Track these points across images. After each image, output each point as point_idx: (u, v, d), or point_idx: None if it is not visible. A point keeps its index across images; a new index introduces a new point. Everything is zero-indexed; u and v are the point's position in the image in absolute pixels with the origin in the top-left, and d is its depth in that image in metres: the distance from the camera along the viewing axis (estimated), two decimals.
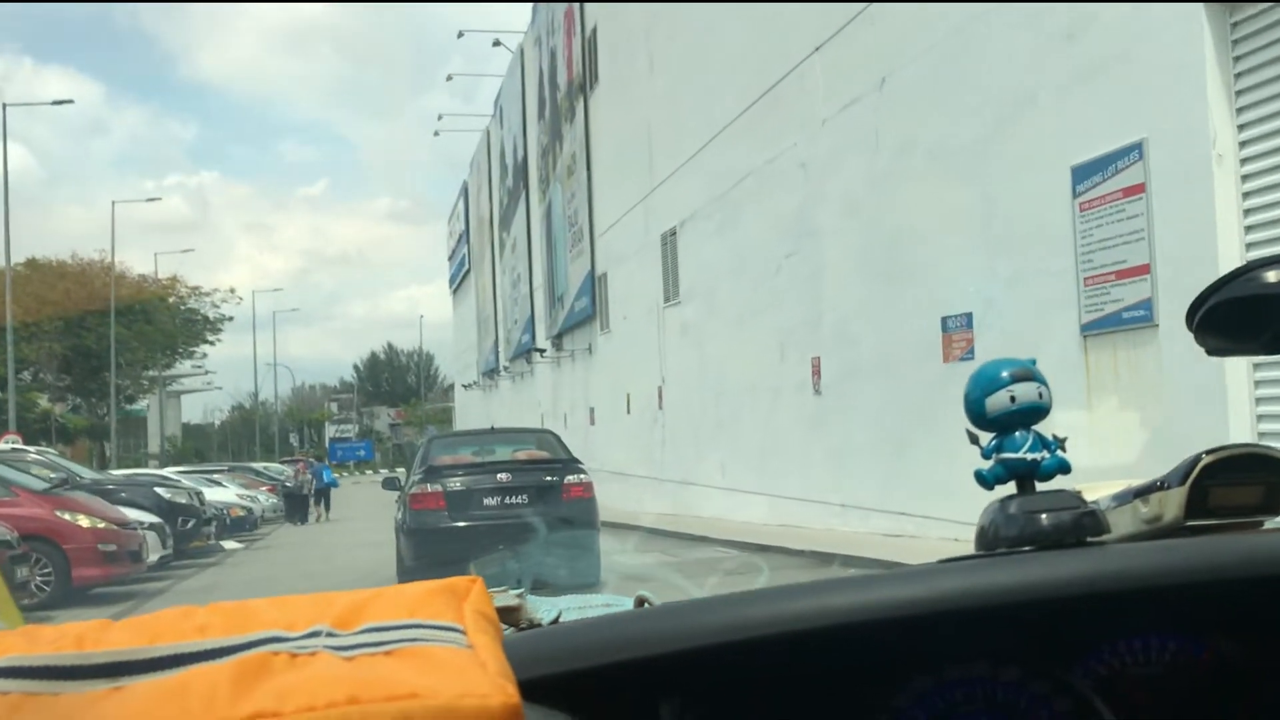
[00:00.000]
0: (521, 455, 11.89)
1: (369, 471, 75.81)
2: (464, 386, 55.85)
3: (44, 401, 44.62)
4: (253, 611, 0.64)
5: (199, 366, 75.73)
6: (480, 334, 51.20)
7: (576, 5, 27.36)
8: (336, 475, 70.34)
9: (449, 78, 49.20)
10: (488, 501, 10.77)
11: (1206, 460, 1.08)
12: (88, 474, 17.87)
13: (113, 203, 45.64)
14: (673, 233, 20.45)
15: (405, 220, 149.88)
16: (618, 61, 24.46)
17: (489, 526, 10.22)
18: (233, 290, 55.43)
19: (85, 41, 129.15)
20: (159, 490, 17.07)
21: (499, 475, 11.01)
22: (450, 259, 65.91)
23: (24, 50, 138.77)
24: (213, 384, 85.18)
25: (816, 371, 14.10)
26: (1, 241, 33.00)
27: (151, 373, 52.88)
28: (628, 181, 23.82)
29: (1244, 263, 1.08)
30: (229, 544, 21.80)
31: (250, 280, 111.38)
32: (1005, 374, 1.08)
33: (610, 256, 25.70)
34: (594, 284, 27.06)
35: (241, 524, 25.36)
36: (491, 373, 47.77)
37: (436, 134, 49.64)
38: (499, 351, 45.47)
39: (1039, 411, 1.08)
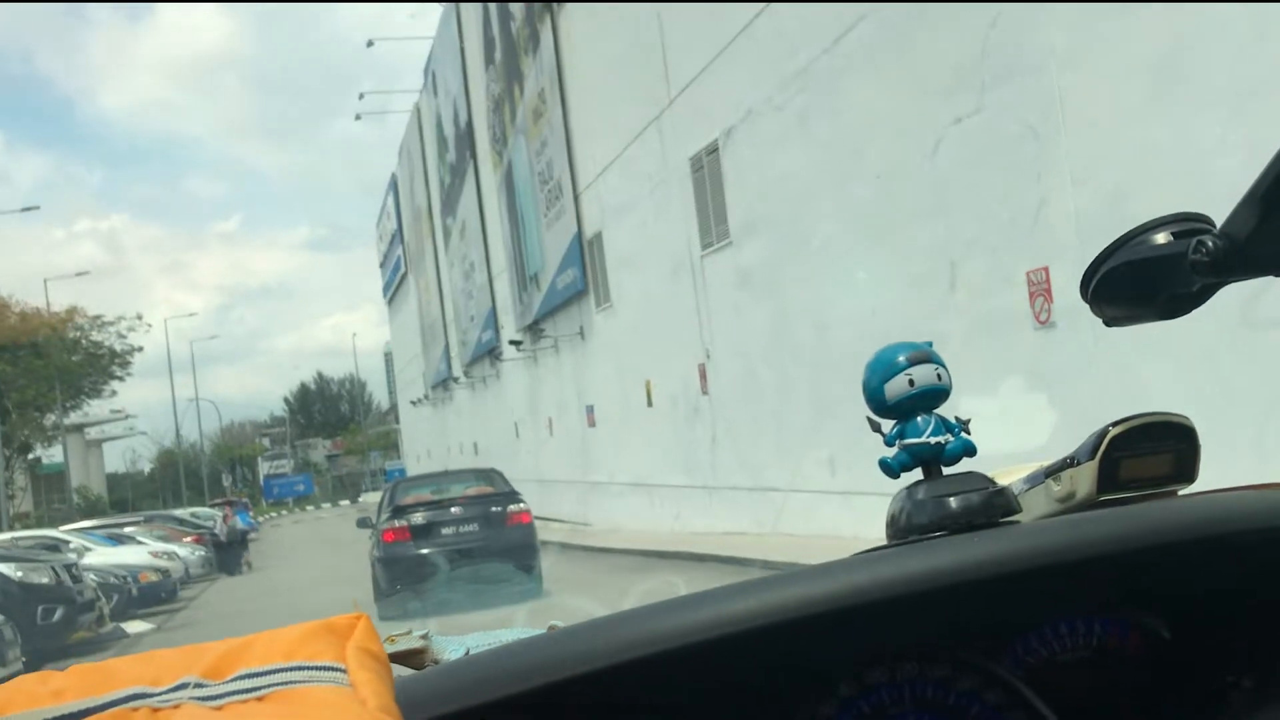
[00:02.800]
0: (471, 491, 14.07)
1: (310, 507, 69.58)
2: (412, 403, 49.92)
3: None
4: (114, 670, 0.62)
5: (118, 411, 69.10)
6: (426, 342, 45.37)
7: None
8: (270, 515, 64.41)
9: (360, 96, 44.52)
10: (445, 531, 12.91)
11: (1114, 432, 1.08)
12: None
13: (45, 281, 39.89)
14: (711, 150, 15.01)
15: (325, 248, 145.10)
16: None
17: (447, 551, 12.46)
18: (140, 317, 48.59)
19: None
20: (4, 568, 11.27)
21: (453, 509, 13.14)
22: (382, 265, 59.85)
23: None
24: (135, 429, 78.65)
25: (1045, 290, 8.74)
26: None
27: (52, 416, 46.08)
28: (625, 105, 18.35)
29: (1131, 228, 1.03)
30: (134, 626, 15.93)
31: (175, 324, 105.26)
32: (902, 358, 1.09)
33: (605, 210, 20.20)
34: (583, 250, 21.54)
35: (156, 591, 19.46)
36: (444, 384, 41.99)
37: (358, 117, 43.97)
38: (450, 359, 39.73)
39: (939, 394, 1.08)
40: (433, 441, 48.62)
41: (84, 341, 47.36)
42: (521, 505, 13.59)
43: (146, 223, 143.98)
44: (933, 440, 1.07)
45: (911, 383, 1.08)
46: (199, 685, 0.58)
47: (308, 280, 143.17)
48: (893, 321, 11.05)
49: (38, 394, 40.58)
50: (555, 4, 21.29)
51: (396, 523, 12.95)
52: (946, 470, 1.07)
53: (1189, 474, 1.09)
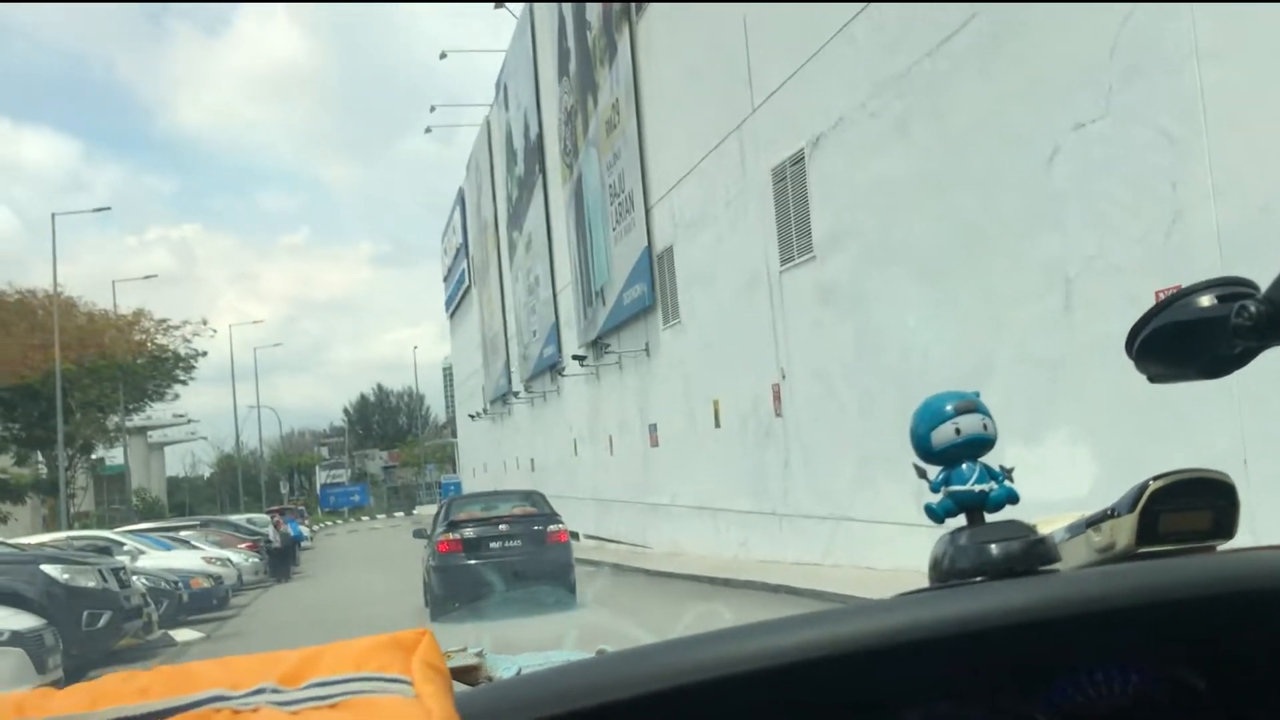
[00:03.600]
0: (516, 511, 15.47)
1: (365, 518, 69.61)
2: (470, 417, 49.53)
3: None
4: (196, 673, 0.65)
5: (180, 415, 69.91)
6: (487, 356, 45.02)
7: None
8: (325, 524, 64.43)
9: (432, 109, 44.40)
10: (493, 545, 14.45)
11: (1154, 486, 1.11)
12: None
13: (113, 283, 40.13)
14: (796, 160, 14.33)
15: (389, 263, 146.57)
16: None
17: (494, 563, 14.09)
18: (205, 322, 48.91)
19: (62, 99, 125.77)
20: (50, 570, 10.82)
21: (500, 526, 14.74)
22: (446, 279, 59.73)
23: (0, 111, 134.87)
24: (196, 434, 79.51)
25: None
26: None
27: (115, 418, 46.35)
28: (703, 115, 17.74)
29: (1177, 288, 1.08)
30: (182, 634, 15.49)
31: (240, 331, 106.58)
32: (949, 407, 1.14)
33: (678, 223, 19.58)
34: (652, 264, 20.93)
35: (207, 598, 19.06)
36: (503, 398, 41.55)
37: (428, 130, 43.81)
38: (511, 373, 39.29)
39: (985, 443, 1.14)
40: (489, 456, 48.21)
41: (149, 344, 47.68)
42: (560, 526, 15.23)
43: (217, 233, 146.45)
44: (977, 488, 1.13)
45: (958, 431, 1.12)
46: (275, 691, 0.61)
47: (371, 294, 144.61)
48: (995, 342, 10.28)
49: (101, 395, 40.79)
50: (636, 6, 20.75)
51: (451, 535, 14.49)
52: (990, 517, 1.12)
53: (1228, 530, 1.12)
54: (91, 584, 11.00)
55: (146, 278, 52.22)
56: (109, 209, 75.09)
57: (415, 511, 65.18)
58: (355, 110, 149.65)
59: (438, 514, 15.98)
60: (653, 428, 22.04)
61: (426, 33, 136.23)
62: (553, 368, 31.22)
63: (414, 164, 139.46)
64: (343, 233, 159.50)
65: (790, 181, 14.53)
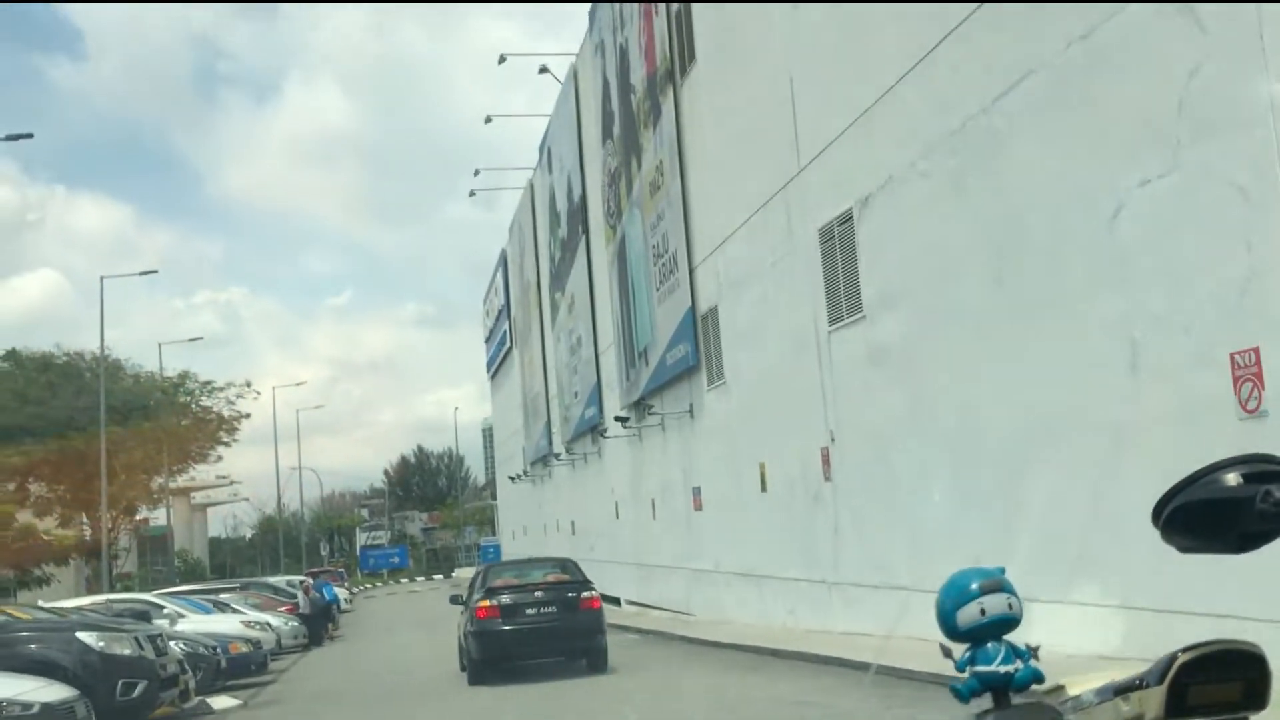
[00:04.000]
0: (550, 578, 15.94)
1: (404, 580, 69.26)
2: (510, 479, 49.28)
3: (25, 516, 38.29)
4: None
5: (223, 477, 70.29)
6: (528, 417, 44.87)
7: None
8: (365, 586, 64.11)
9: (476, 173, 44.69)
10: (529, 611, 14.80)
11: (1183, 659, 1.14)
12: None
13: (159, 345, 40.72)
14: (844, 220, 14.10)
15: (431, 325, 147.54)
16: (726, 20, 18.44)
17: (529, 629, 14.60)
18: (249, 384, 49.19)
19: (115, 165, 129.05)
20: (85, 637, 10.61)
21: (535, 593, 15.15)
22: (487, 340, 59.87)
23: (56, 179, 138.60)
24: (238, 495, 79.87)
25: (1254, 375, 7.55)
26: None
27: (158, 479, 46.56)
28: (749, 175, 17.60)
29: (1203, 466, 1.08)
30: (220, 701, 15.21)
31: (283, 393, 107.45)
32: (974, 585, 1.24)
33: (722, 284, 19.37)
34: (696, 324, 20.71)
35: (246, 663, 18.75)
36: (543, 460, 41.30)
37: (473, 194, 43.96)
38: (551, 435, 39.08)
39: (1010, 623, 1.23)
40: (529, 518, 47.86)
41: (194, 406, 48.03)
42: (593, 593, 15.47)
43: (263, 295, 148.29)
44: (1002, 669, 1.21)
45: (983, 611, 1.21)
46: None
47: (413, 355, 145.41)
48: (1056, 406, 9.91)
49: (145, 456, 41.01)
50: (680, 69, 20.76)
51: (489, 601, 14.80)
52: (1016, 698, 1.18)
53: (1260, 701, 1.13)
54: (127, 652, 10.77)
55: (192, 340, 52.91)
56: (156, 272, 76.46)
57: (454, 574, 64.72)
58: (400, 175, 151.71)
59: (474, 580, 16.48)
60: (696, 491, 21.67)
61: (471, 100, 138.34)
62: (594, 429, 30.96)
63: (457, 228, 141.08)
64: (386, 295, 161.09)
65: (838, 241, 14.29)
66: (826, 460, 15.17)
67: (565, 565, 16.81)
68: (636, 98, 23.82)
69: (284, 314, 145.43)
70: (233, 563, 75.57)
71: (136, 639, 10.98)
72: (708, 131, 19.74)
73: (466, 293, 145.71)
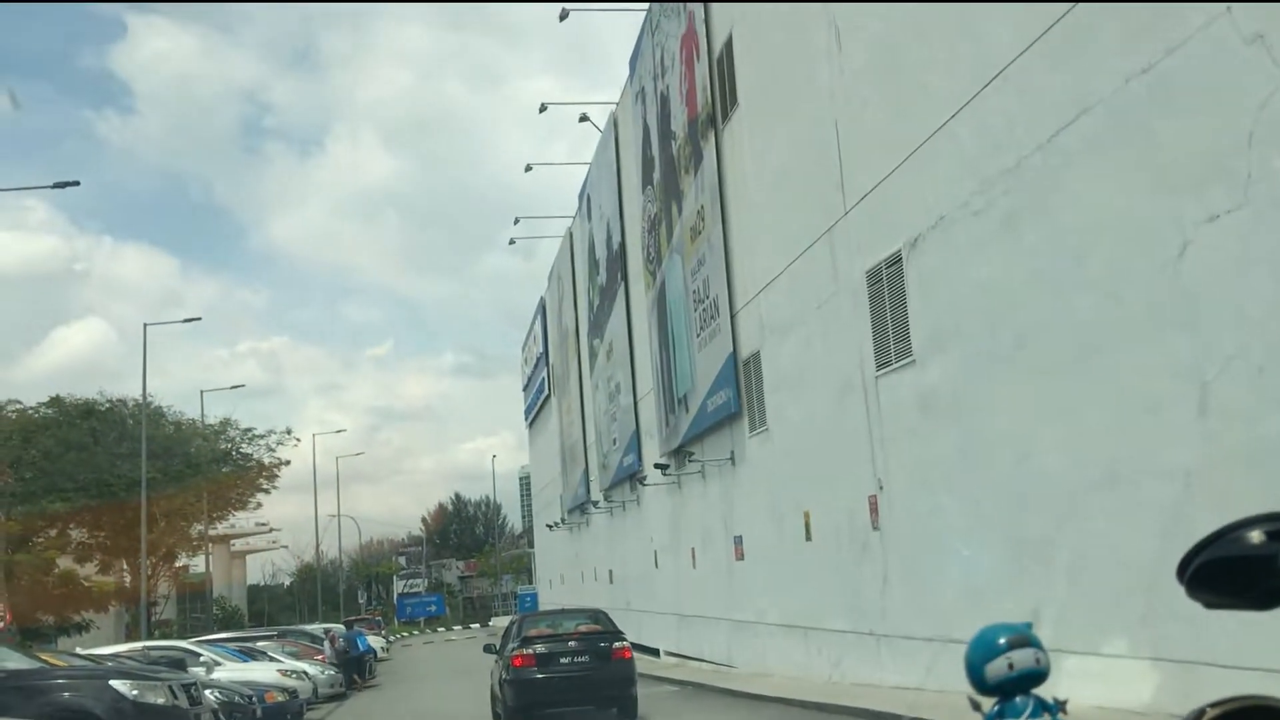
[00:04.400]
0: (582, 628, 16.35)
1: (441, 629, 68.84)
2: (548, 527, 48.97)
3: (65, 562, 38.36)
4: None
5: (262, 524, 70.52)
6: (565, 465, 44.62)
7: (700, 10, 21.51)
8: (401, 635, 63.73)
9: (516, 221, 44.95)
10: (563, 660, 15.26)
11: (1211, 714, 1.16)
12: (17, 663, 11.19)
13: (200, 392, 41.05)
14: (892, 262, 13.83)
15: (469, 374, 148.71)
16: (769, 64, 18.34)
17: (563, 678, 15.05)
18: (289, 431, 49.27)
19: (161, 217, 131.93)
20: (119, 686, 10.39)
21: (569, 643, 15.64)
22: (525, 388, 59.84)
23: (103, 229, 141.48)
24: (277, 542, 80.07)
25: None
26: None
27: (198, 526, 46.64)
28: (792, 219, 17.40)
29: (1227, 523, 1.07)
30: None
31: (323, 440, 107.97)
32: (1002, 640, 1.29)
33: (765, 329, 19.11)
34: (738, 370, 20.43)
35: (281, 712, 18.49)
36: (581, 508, 40.98)
37: (512, 242, 44.10)
38: (589, 483, 38.79)
39: (1037, 677, 1.29)
40: (566, 567, 47.47)
41: (234, 454, 48.17)
42: (625, 643, 15.88)
43: (305, 345, 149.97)
44: None
45: (1011, 666, 1.27)
46: None
47: (451, 405, 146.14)
48: (1120, 451, 9.53)
49: (185, 503, 41.08)
50: (722, 114, 20.68)
51: (524, 650, 15.21)
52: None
53: None
54: (161, 701, 10.52)
55: (234, 387, 53.30)
56: (199, 319, 76.91)
57: (491, 623, 64.25)
58: (440, 227, 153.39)
59: (509, 630, 17.03)
60: (738, 540, 21.28)
61: (510, 153, 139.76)
62: (633, 477, 30.66)
63: (496, 279, 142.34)
64: (425, 345, 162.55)
65: (886, 283, 14.01)
66: (874, 508, 14.78)
67: (597, 616, 17.23)
68: (677, 143, 23.76)
69: (325, 363, 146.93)
70: (271, 610, 75.52)
71: (171, 688, 10.74)
72: (750, 175, 19.58)
73: (504, 343, 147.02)
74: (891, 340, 13.98)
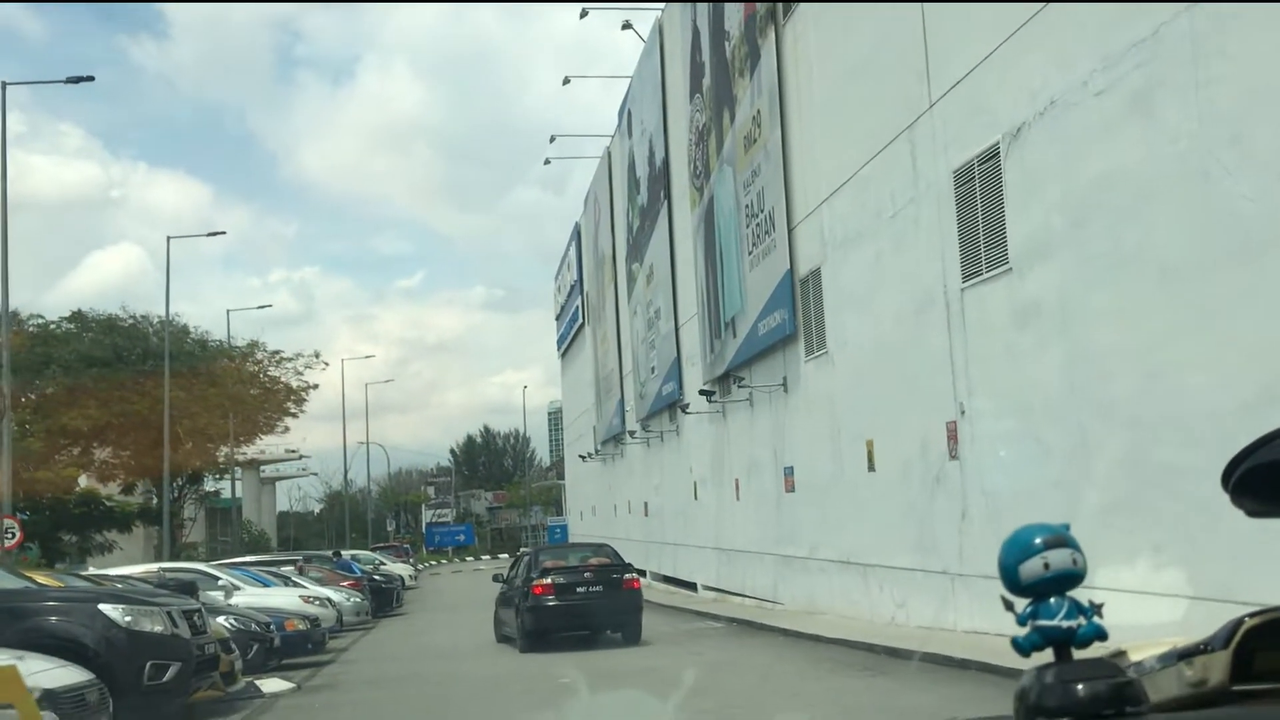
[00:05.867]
0: (594, 561, 18.07)
1: (469, 558, 68.42)
2: (580, 458, 47.83)
3: (86, 480, 37.57)
4: None
5: (292, 451, 69.96)
6: (600, 395, 43.33)
7: None
8: (429, 563, 63.28)
9: (551, 139, 43.62)
10: (578, 589, 16.71)
11: (1250, 624, 1.12)
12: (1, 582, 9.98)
13: (227, 311, 40.00)
14: (987, 157, 12.21)
15: (499, 308, 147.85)
16: None
17: (579, 604, 16.53)
18: (317, 355, 48.06)
19: (195, 145, 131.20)
20: (110, 611, 9.16)
21: (584, 574, 17.17)
22: (559, 318, 58.43)
23: (138, 156, 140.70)
24: (307, 470, 79.70)
25: None
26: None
27: (225, 449, 45.76)
28: (863, 118, 15.76)
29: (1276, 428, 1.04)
30: (272, 684, 13.80)
31: (353, 372, 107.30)
32: (1038, 540, 1.17)
33: (827, 242, 17.54)
34: (794, 288, 18.90)
35: (302, 641, 17.37)
36: (616, 439, 39.74)
37: (547, 162, 42.47)
38: (625, 413, 37.47)
39: (1074, 578, 1.17)
40: (598, 499, 46.41)
41: (262, 375, 47.18)
42: (633, 574, 17.66)
43: (335, 276, 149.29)
44: (1064, 624, 1.15)
45: (1046, 566, 1.14)
46: None
47: (481, 338, 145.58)
48: (1276, 366, 8.00)
49: (210, 423, 40.11)
50: (784, 7, 18.90)
51: (544, 580, 16.68)
52: (1078, 653, 1.14)
53: None
54: (158, 629, 9.27)
55: (260, 307, 52.13)
56: (224, 233, 75.57)
57: (520, 552, 63.62)
58: (471, 160, 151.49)
59: (517, 562, 19.39)
60: (788, 470, 19.91)
61: (543, 85, 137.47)
62: (672, 405, 29.30)
63: (527, 213, 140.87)
64: (456, 278, 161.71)
65: (979, 182, 12.41)
66: (953, 436, 13.33)
67: (604, 549, 19.25)
68: (731, 44, 22.00)
69: (355, 294, 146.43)
70: (298, 536, 75.27)
71: (169, 614, 9.50)
72: (814, 74, 17.88)
73: (534, 278, 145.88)
74: (983, 247, 12.41)
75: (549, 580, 16.63)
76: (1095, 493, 10.37)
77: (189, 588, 13.13)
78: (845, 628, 15.59)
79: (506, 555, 67.26)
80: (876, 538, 15.94)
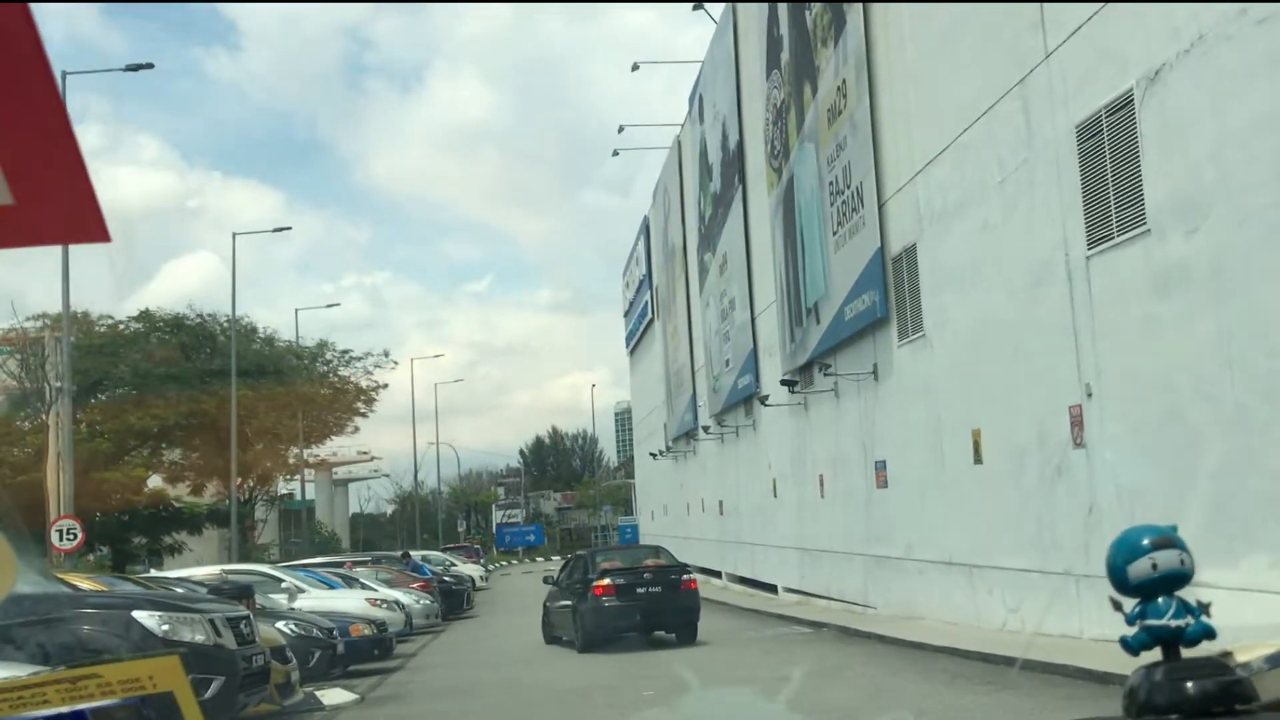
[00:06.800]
0: (650, 562, 18.18)
1: (539, 558, 67.70)
2: (651, 455, 46.71)
3: (155, 480, 37.29)
4: None
5: (364, 453, 69.82)
6: (670, 391, 42.19)
7: None
8: (500, 564, 62.66)
9: (620, 129, 42.97)
10: (638, 590, 16.86)
11: None
12: (34, 586, 9.12)
13: (295, 310, 39.69)
14: (1117, 107, 10.84)
15: (566, 310, 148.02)
16: None
17: (639, 605, 16.64)
18: (386, 354, 47.60)
19: (268, 153, 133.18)
20: (145, 619, 8.21)
21: (643, 575, 17.26)
22: (627, 314, 57.39)
23: (213, 165, 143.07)
24: (379, 471, 79.67)
25: None
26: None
27: (294, 450, 45.41)
28: (965, 78, 14.42)
29: None
30: (333, 695, 12.85)
31: (423, 374, 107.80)
32: (1146, 541, 1.22)
33: (923, 216, 16.21)
34: (886, 268, 17.59)
35: (367, 648, 16.50)
36: (687, 435, 38.58)
37: (616, 153, 41.60)
38: (697, 408, 36.28)
39: (1182, 578, 1.20)
40: (669, 498, 45.24)
41: (332, 375, 46.81)
42: (691, 576, 17.83)
43: (405, 280, 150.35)
44: (1173, 624, 1.17)
45: (1154, 566, 1.18)
46: None
47: (548, 340, 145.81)
48: None
49: (278, 422, 39.68)
50: None
51: (604, 581, 16.84)
52: (1186, 652, 1.15)
53: None
54: (199, 638, 8.31)
55: (329, 306, 51.77)
56: (289, 229, 75.65)
57: (572, 555, 62.72)
58: (538, 163, 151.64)
59: (579, 564, 18.84)
60: (880, 465, 18.59)
61: (608, 89, 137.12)
62: (749, 399, 28.05)
63: (594, 215, 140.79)
64: (523, 281, 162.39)
65: (1107, 136, 11.04)
66: (1078, 422, 11.96)
67: (659, 551, 19.64)
68: (813, 13, 20.72)
69: (426, 298, 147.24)
70: (369, 537, 75.17)
71: (212, 623, 8.53)
72: (906, 35, 16.56)
73: (601, 280, 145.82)
74: (1113, 209, 11.04)
75: (609, 581, 16.83)
76: (1258, 481, 8.97)
77: (245, 591, 12.23)
78: (952, 634, 14.25)
79: (562, 560, 66.51)
80: (984, 536, 14.59)
